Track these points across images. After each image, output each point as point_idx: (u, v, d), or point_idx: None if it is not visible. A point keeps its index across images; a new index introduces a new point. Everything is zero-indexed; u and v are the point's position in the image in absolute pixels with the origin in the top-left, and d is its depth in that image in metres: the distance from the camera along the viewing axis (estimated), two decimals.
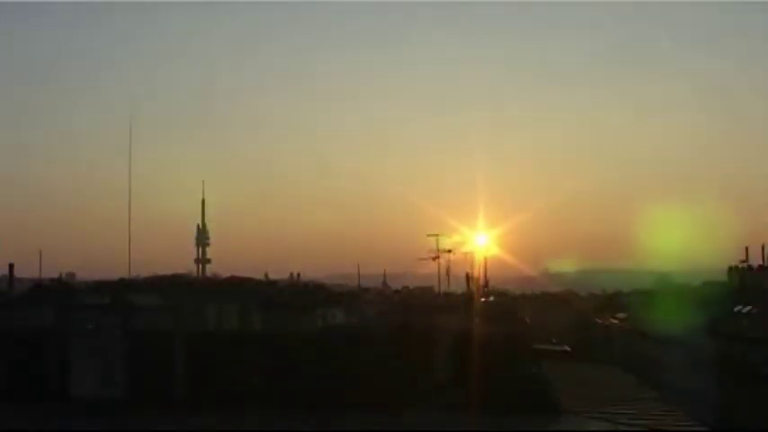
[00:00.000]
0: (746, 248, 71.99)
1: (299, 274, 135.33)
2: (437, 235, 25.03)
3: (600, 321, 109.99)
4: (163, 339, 20.66)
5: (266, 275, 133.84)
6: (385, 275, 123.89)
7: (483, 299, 31.97)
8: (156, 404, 18.73)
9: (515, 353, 22.62)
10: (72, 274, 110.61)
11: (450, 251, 25.85)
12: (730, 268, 71.54)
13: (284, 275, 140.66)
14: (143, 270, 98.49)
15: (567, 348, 48.88)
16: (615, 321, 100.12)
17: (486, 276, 31.80)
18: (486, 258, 29.21)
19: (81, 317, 24.21)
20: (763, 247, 68.77)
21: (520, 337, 29.32)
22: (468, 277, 30.54)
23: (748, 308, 59.76)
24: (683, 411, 22.84)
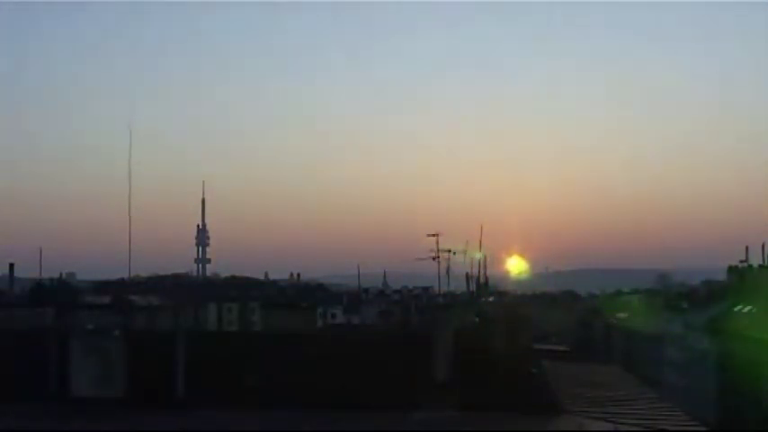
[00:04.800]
0: (747, 248, 72.14)
1: (299, 274, 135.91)
2: (437, 235, 25.09)
3: (600, 321, 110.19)
4: (163, 339, 20.65)
5: (266, 275, 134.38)
6: (385, 275, 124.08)
7: (483, 298, 31.95)
8: (156, 404, 18.71)
9: (515, 353, 22.61)
10: (72, 274, 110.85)
11: (450, 251, 25.87)
12: (730, 267, 71.67)
13: (284, 275, 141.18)
14: (143, 270, 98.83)
15: (567, 348, 48.99)
16: (615, 321, 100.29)
17: (486, 276, 31.76)
18: (486, 257, 29.20)
19: (81, 317, 24.23)
20: (763, 247, 68.92)
21: (520, 336, 29.32)
22: (468, 277, 30.53)
23: (749, 307, 59.69)
24: (683, 411, 22.82)
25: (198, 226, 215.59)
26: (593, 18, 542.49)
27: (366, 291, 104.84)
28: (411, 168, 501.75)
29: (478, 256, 27.80)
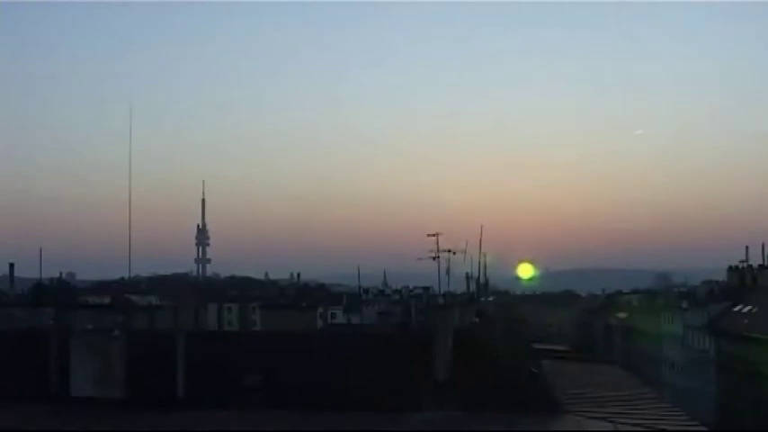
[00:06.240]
0: (747, 248, 72.15)
1: (299, 274, 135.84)
2: (437, 234, 25.00)
3: (600, 321, 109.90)
4: (163, 339, 20.64)
5: (266, 275, 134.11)
6: (385, 275, 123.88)
7: (483, 298, 31.88)
8: (156, 404, 18.70)
9: (515, 352, 22.61)
10: (72, 274, 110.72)
11: (450, 251, 25.76)
12: (730, 267, 71.70)
13: (284, 275, 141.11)
14: (143, 270, 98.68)
15: (567, 348, 49.03)
16: (615, 321, 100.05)
17: (486, 276, 31.65)
18: (485, 256, 29.11)
19: (81, 316, 24.20)
20: (763, 247, 68.92)
21: (520, 336, 29.30)
22: (468, 277, 30.45)
23: (748, 307, 59.67)
24: (683, 411, 22.82)
25: (198, 226, 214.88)
26: (593, 21, 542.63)
27: (366, 291, 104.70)
28: (412, 168, 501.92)
29: (481, 258, 27.75)
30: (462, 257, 25.89)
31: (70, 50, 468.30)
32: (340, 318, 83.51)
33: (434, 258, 25.15)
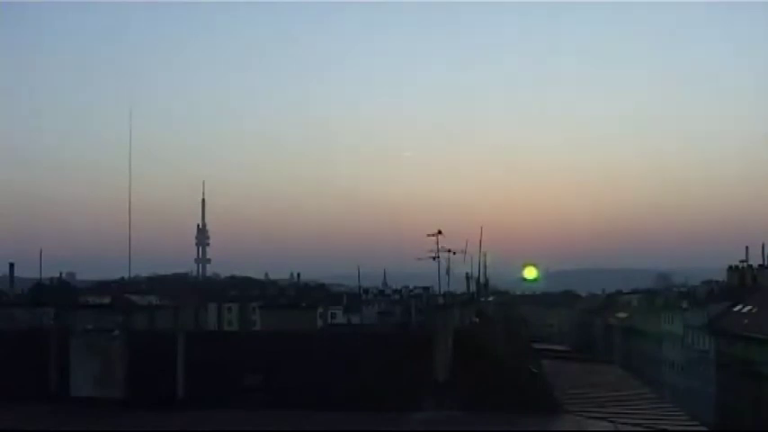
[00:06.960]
0: (747, 248, 72.17)
1: (299, 274, 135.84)
2: (436, 234, 24.89)
3: (600, 321, 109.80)
4: (163, 339, 20.63)
5: (266, 275, 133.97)
6: (385, 275, 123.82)
7: (482, 298, 31.86)
8: (156, 404, 18.70)
9: (515, 352, 22.61)
10: (72, 274, 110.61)
11: (450, 251, 25.67)
12: (730, 267, 71.72)
13: (284, 275, 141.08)
14: (143, 270, 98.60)
15: (567, 348, 49.07)
16: (615, 321, 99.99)
17: (486, 276, 31.62)
18: (486, 256, 29.07)
19: (81, 316, 24.18)
20: (763, 247, 68.92)
21: (520, 336, 29.30)
22: (468, 277, 30.41)
23: (748, 307, 59.65)
24: (683, 411, 22.82)
25: (198, 226, 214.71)
26: (596, 19, 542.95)
27: (366, 291, 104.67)
28: (411, 168, 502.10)
29: (481, 258, 27.68)
30: (462, 257, 25.85)
31: (70, 50, 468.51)
32: (340, 318, 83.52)
33: (434, 258, 25.08)
